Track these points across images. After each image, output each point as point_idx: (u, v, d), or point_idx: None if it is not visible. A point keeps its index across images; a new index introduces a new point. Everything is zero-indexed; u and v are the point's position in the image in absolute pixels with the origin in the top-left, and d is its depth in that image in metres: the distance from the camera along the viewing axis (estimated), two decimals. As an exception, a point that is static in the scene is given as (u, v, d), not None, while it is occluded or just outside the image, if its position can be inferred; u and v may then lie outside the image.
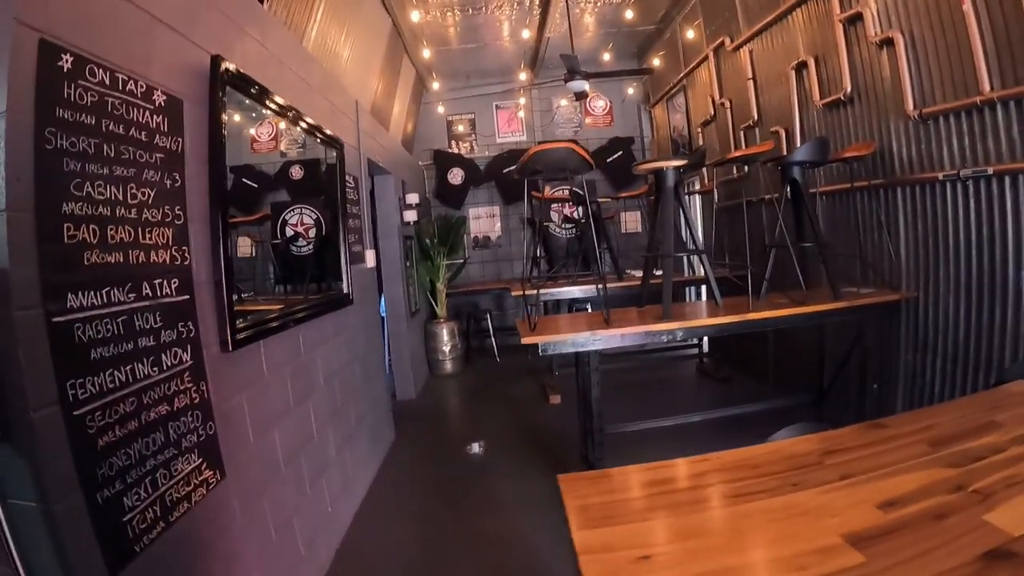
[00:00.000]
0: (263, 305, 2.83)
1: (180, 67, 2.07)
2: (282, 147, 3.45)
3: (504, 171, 8.43)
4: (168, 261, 1.85)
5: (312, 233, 3.66)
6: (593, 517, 1.26)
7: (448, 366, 7.29)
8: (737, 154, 4.14)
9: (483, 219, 8.98)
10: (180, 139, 1.98)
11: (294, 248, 3.57)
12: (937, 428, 1.62)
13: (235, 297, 2.24)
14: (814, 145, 3.72)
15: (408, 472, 4.29)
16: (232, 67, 2.35)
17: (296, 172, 3.64)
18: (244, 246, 3.08)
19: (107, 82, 1.64)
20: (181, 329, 1.88)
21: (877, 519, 1.17)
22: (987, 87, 2.94)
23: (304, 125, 3.26)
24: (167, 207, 1.87)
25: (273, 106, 2.85)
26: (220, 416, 2.05)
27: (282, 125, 3.17)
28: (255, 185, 3.21)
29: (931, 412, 1.79)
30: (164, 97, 1.90)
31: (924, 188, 3.48)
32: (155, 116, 1.85)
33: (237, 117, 2.70)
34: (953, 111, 3.17)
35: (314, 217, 3.67)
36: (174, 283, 1.86)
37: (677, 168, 3.61)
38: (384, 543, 3.27)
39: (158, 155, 1.85)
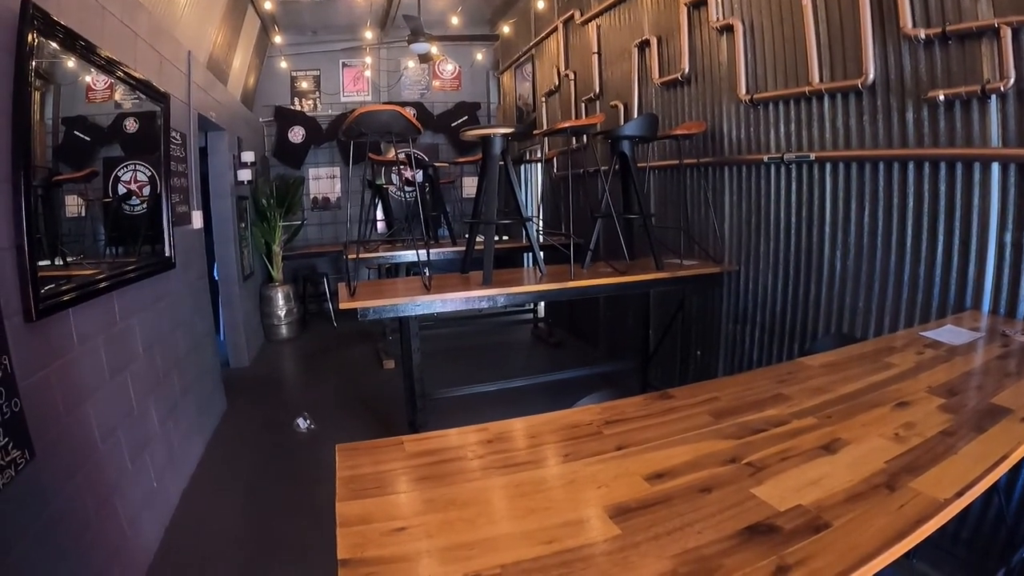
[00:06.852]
0: (76, 270, 2.63)
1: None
2: (116, 98, 3.18)
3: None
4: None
5: (146, 191, 3.44)
6: (360, 488, 1.22)
7: (284, 331, 7.12)
8: (566, 124, 4.17)
9: (323, 180, 8.75)
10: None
11: (127, 207, 3.33)
12: (722, 400, 1.64)
13: (61, 262, 2.07)
14: (643, 121, 3.89)
15: (239, 444, 4.20)
16: (43, 13, 2.14)
17: (131, 125, 3.38)
18: (73, 205, 2.84)
19: None
20: (-21, 301, 1.75)
21: (643, 491, 1.17)
22: (816, 78, 3.10)
23: (123, 76, 3.01)
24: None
25: (87, 55, 2.61)
26: (26, 391, 1.93)
27: (102, 76, 2.91)
28: (88, 138, 2.95)
29: (720, 384, 1.81)
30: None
31: (750, 169, 3.67)
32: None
33: (58, 67, 2.47)
34: (783, 98, 3.35)
35: (148, 174, 3.44)
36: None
37: (505, 136, 3.66)
38: (215, 517, 3.22)
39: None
